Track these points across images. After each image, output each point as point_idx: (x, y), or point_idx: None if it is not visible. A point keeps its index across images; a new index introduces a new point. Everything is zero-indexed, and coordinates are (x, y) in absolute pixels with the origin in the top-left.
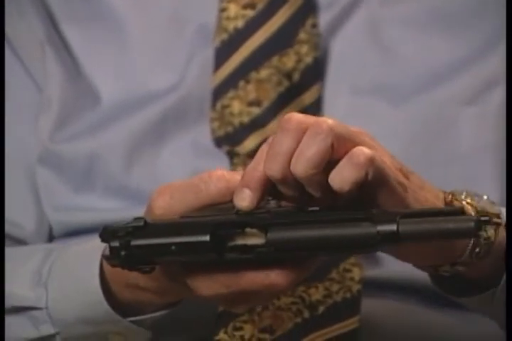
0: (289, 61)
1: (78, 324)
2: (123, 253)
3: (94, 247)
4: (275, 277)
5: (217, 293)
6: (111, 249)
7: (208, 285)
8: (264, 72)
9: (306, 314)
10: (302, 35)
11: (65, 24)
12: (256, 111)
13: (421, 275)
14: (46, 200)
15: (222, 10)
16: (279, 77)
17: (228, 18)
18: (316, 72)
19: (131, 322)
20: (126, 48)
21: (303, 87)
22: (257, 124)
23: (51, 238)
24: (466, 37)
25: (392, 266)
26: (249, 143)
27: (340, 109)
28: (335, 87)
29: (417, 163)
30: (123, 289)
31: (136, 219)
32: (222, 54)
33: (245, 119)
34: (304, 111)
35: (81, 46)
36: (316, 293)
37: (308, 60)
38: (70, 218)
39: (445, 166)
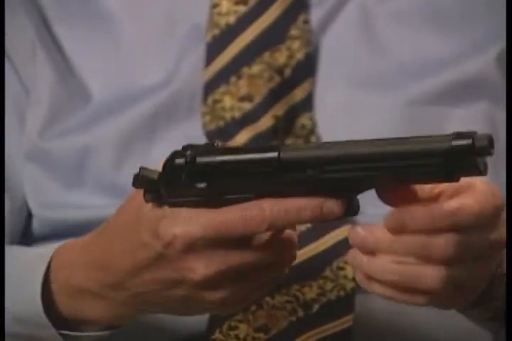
0: (280, 57)
1: (14, 323)
2: (188, 162)
3: (49, 250)
4: (253, 214)
5: (193, 235)
6: (177, 164)
7: (183, 228)
8: (255, 68)
9: (301, 313)
10: (294, 31)
11: (57, 24)
12: (247, 106)
13: None
14: (34, 198)
15: (215, 6)
16: (270, 72)
17: (220, 14)
18: (307, 68)
19: (64, 336)
20: (118, 47)
21: (294, 83)
22: (248, 119)
23: (24, 236)
24: (458, 34)
25: None
26: (240, 138)
27: (331, 104)
28: (326, 83)
29: None
30: (63, 290)
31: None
32: (214, 49)
33: (237, 114)
34: (295, 106)
35: (73, 45)
36: (310, 292)
37: (300, 56)
38: (60, 215)
39: None
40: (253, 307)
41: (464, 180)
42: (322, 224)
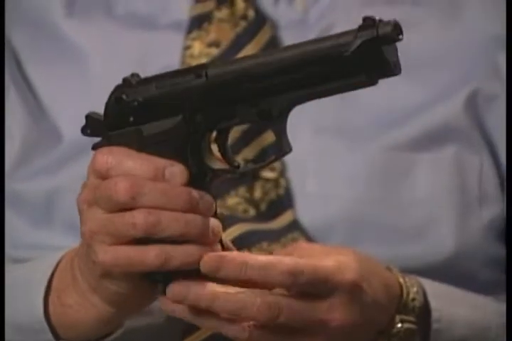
0: None
1: (13, 332)
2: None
3: (52, 263)
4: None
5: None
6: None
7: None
8: None
9: None
10: None
11: (30, 65)
12: None
13: None
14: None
15: (187, 48)
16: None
17: (192, 56)
18: None
19: None
20: (89, 87)
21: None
22: None
23: None
24: (427, 82)
25: None
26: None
27: (301, 148)
28: (296, 127)
29: (374, 204)
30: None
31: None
32: None
33: None
34: (265, 149)
35: (45, 86)
36: None
37: None
38: (27, 255)
39: (403, 208)
40: None
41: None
42: None
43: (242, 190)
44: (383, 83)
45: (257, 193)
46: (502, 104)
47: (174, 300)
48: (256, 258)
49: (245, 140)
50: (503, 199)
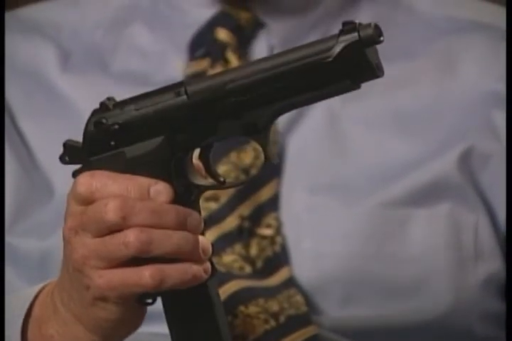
0: (246, 157)
1: None
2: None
3: (29, 297)
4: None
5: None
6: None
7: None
8: (222, 168)
9: None
10: None
11: (23, 119)
12: (213, 206)
13: None
14: None
15: None
16: (236, 173)
17: None
18: (273, 168)
19: None
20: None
21: (260, 183)
22: (214, 219)
23: None
24: (421, 139)
25: None
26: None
27: (296, 205)
28: (292, 184)
29: (370, 261)
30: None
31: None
32: None
33: (203, 214)
34: (261, 206)
35: (37, 140)
36: None
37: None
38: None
39: (398, 265)
40: None
41: None
42: (288, 324)
43: (238, 248)
44: (380, 138)
45: (253, 250)
46: (498, 164)
47: None
48: None
49: (241, 197)
50: (499, 255)
